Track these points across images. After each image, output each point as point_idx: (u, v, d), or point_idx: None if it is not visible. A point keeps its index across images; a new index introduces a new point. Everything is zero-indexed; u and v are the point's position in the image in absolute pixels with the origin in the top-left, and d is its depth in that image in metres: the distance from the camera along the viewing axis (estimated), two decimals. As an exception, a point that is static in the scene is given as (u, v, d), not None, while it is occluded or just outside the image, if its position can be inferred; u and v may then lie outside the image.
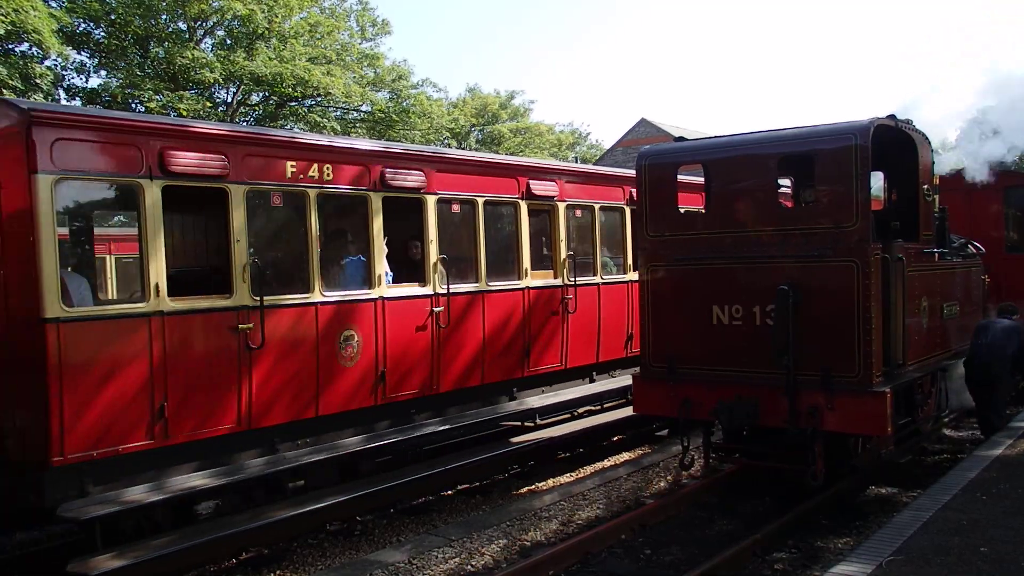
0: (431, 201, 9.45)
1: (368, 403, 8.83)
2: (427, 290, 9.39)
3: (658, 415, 10.59)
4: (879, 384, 7.60)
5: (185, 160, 7.14)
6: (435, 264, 9.42)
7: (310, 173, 8.19)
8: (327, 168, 8.36)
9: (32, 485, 6.61)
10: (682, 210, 9.33)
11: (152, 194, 6.95)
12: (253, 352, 7.62)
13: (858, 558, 5.71)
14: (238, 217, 7.58)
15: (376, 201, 8.89)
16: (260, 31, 26.85)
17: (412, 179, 9.24)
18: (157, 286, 6.96)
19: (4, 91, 20.07)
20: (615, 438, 12.10)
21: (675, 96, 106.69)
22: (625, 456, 11.34)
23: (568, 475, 10.49)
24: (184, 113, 23.28)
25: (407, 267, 9.56)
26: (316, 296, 8.21)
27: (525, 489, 9.92)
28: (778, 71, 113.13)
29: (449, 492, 9.70)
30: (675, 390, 8.48)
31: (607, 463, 11.03)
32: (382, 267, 8.98)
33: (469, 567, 7.15)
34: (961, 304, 10.01)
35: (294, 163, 8.07)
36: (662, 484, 9.63)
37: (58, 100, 24.35)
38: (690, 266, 8.59)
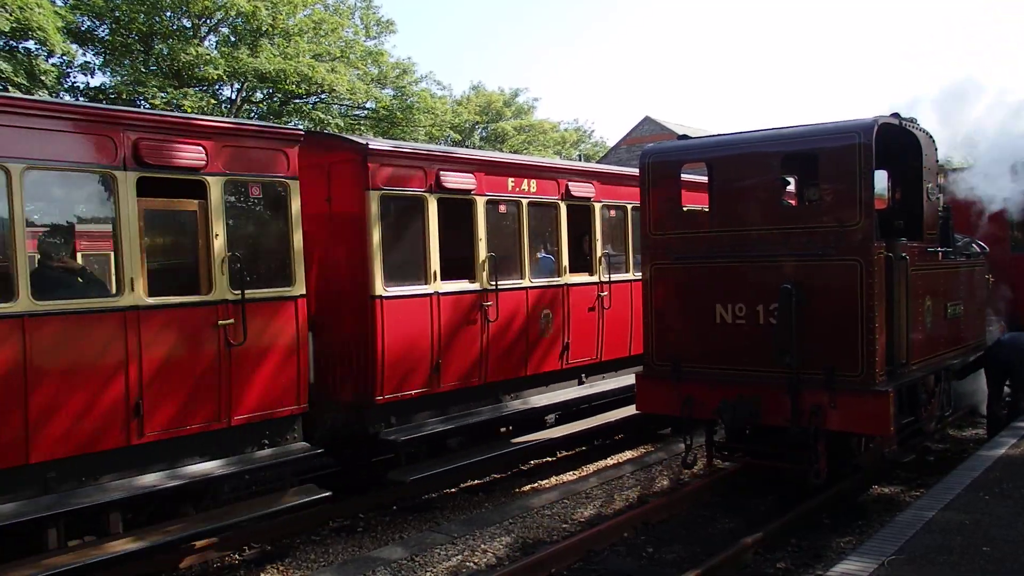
0: (598, 208, 11.34)
1: (556, 367, 10.76)
2: (595, 279, 11.17)
3: (661, 414, 10.60)
4: (882, 383, 7.59)
5: (453, 181, 9.37)
6: (600, 258, 11.23)
7: (522, 187, 10.34)
8: (532, 183, 10.45)
9: (360, 418, 8.75)
10: (685, 209, 9.33)
11: (432, 204, 9.17)
12: (489, 324, 9.81)
13: (860, 557, 5.71)
14: (480, 220, 9.69)
15: (563, 208, 10.77)
16: (264, 28, 26.86)
17: (584, 190, 11.14)
18: (435, 273, 9.24)
19: (9, 88, 20.11)
20: (618, 436, 12.11)
21: (679, 94, 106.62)
22: (628, 455, 11.35)
23: (571, 473, 10.50)
24: (189, 110, 23.30)
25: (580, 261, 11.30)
26: (525, 282, 10.29)
27: (528, 487, 9.93)
28: (782, 70, 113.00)
29: (452, 490, 9.72)
30: (678, 389, 8.48)
31: (610, 461, 11.05)
32: (565, 260, 10.75)
33: (471, 564, 7.16)
34: (965, 304, 9.99)
35: (512, 179, 10.19)
36: (665, 483, 9.64)
37: (61, 97, 24.38)
38: (693, 265, 8.58)
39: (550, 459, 11.11)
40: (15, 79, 21.02)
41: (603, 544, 7.38)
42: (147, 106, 23.75)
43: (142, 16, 25.24)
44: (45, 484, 6.27)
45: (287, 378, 7.67)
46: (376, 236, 8.52)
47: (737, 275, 8.29)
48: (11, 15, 20.15)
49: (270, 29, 27.04)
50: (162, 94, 24.36)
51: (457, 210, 9.49)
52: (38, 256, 6.81)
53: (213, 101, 26.78)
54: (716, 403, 8.09)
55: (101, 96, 25.18)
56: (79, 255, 9.70)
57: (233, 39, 27.72)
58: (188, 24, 27.25)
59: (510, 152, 37.76)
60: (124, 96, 24.58)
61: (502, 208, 10.17)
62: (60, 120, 6.33)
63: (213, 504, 7.30)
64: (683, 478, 9.64)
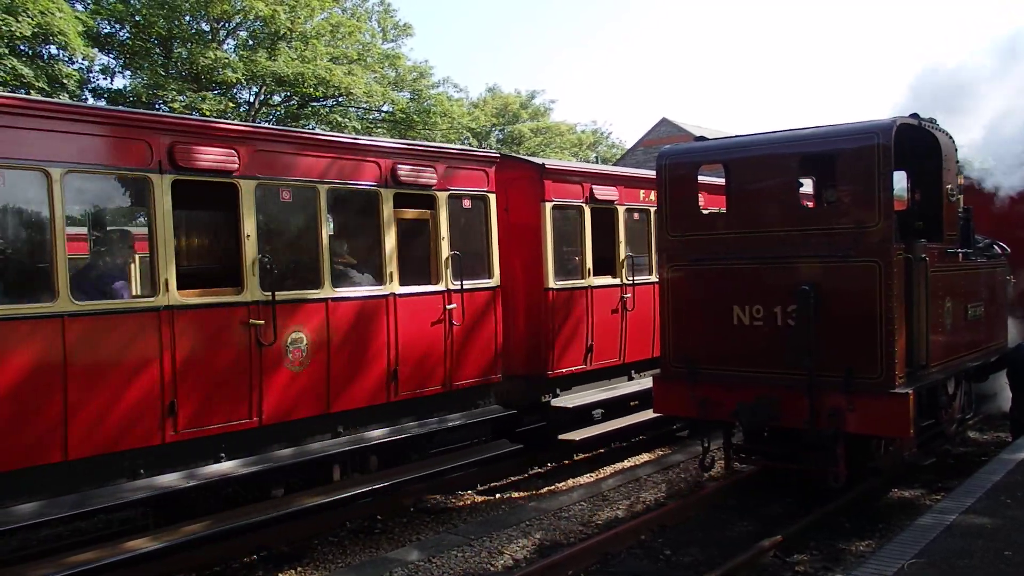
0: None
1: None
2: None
3: (679, 416, 10.58)
4: (901, 385, 7.53)
5: (602, 193, 11.23)
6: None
7: (649, 197, 11.67)
8: (652, 193, 11.42)
9: (535, 389, 10.58)
10: (703, 210, 9.30)
11: (587, 213, 11.03)
12: (627, 313, 11.57)
13: (880, 561, 5.67)
14: (621, 226, 11.57)
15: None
16: (282, 32, 27.04)
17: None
18: (589, 270, 11.06)
19: (31, 91, 20.33)
20: (636, 438, 12.09)
21: (696, 95, 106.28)
22: (645, 457, 11.33)
23: (588, 475, 10.50)
24: (207, 113, 23.48)
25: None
26: (652, 277, 11.40)
27: (545, 489, 9.93)
28: (799, 70, 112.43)
29: (468, 491, 9.73)
30: (696, 390, 8.45)
31: (627, 464, 11.03)
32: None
33: (488, 566, 7.17)
34: (986, 305, 9.90)
35: (643, 191, 11.90)
36: (682, 485, 9.60)
37: (84, 100, 24.64)
38: (711, 266, 8.56)
39: (567, 461, 11.10)
40: (36, 83, 21.25)
41: (620, 546, 7.36)
42: (166, 109, 23.96)
43: (161, 20, 25.48)
44: (336, 431, 8.26)
45: (491, 352, 9.79)
46: (549, 239, 10.40)
47: (755, 276, 8.25)
48: (33, 20, 20.38)
49: (288, 32, 27.21)
50: (181, 97, 24.56)
51: (603, 218, 11.30)
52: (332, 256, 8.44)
53: (232, 104, 26.97)
54: (734, 405, 8.06)
55: (121, 99, 25.42)
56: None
57: (251, 43, 27.92)
58: (207, 28, 27.48)
59: (526, 154, 37.76)
60: (144, 99, 24.81)
61: (635, 216, 11.90)
62: (356, 153, 8.60)
63: (427, 454, 9.25)
64: (700, 480, 9.61)
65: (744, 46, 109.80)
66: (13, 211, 6.43)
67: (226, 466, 7.31)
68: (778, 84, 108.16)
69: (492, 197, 9.83)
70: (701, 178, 9.33)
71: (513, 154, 23.40)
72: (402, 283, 8.78)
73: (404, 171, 8.81)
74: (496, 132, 47.61)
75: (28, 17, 20.27)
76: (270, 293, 7.49)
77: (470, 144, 39.00)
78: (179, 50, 26.27)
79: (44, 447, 6.24)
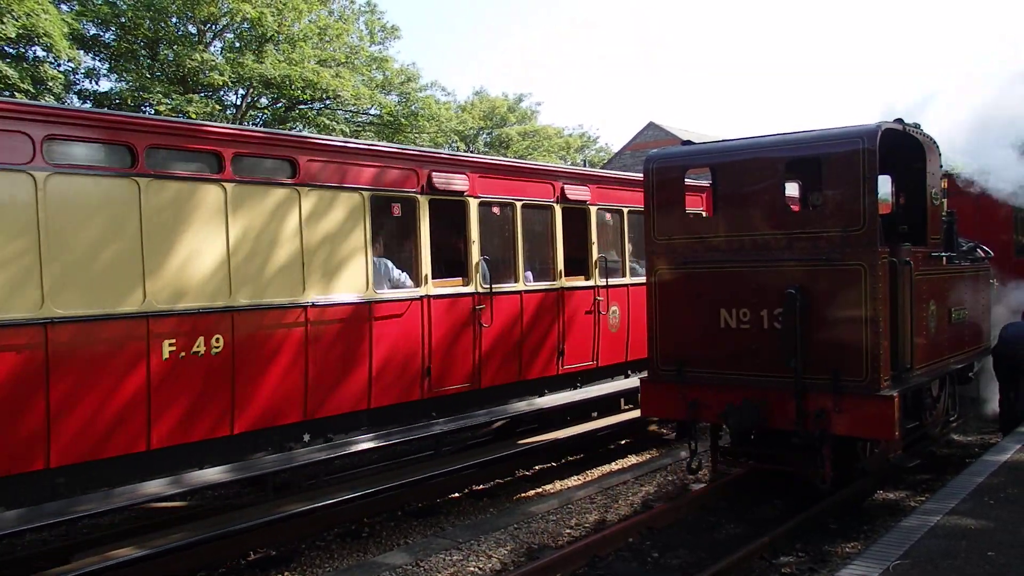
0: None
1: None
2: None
3: (666, 418, 10.62)
4: (887, 388, 7.59)
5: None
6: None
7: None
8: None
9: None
10: (689, 213, 9.34)
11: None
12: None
13: (865, 562, 5.71)
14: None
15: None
16: (269, 34, 26.93)
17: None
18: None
19: (16, 94, 20.19)
20: (623, 441, 12.12)
21: (683, 100, 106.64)
22: (632, 460, 11.35)
23: (575, 478, 10.51)
24: (193, 116, 23.37)
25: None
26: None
27: (532, 492, 9.94)
28: (786, 75, 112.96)
29: (456, 495, 9.73)
30: (683, 393, 8.49)
31: (614, 466, 11.05)
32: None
33: (476, 569, 7.17)
34: (970, 308, 9.99)
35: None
36: (670, 487, 9.63)
37: (69, 103, 24.47)
38: (698, 269, 8.60)
39: (554, 464, 11.12)
40: (21, 85, 21.10)
41: (608, 549, 7.37)
42: (152, 112, 23.83)
43: (147, 22, 25.33)
44: (522, 396, 10.44)
45: (622, 342, 11.74)
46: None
47: (741, 280, 8.30)
48: (17, 21, 20.24)
49: (275, 35, 27.11)
50: (167, 100, 24.43)
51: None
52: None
53: (218, 107, 26.84)
54: (721, 407, 8.10)
55: (107, 102, 25.27)
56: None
57: (238, 45, 27.80)
58: (193, 30, 27.34)
59: (516, 157, 37.76)
60: (129, 102, 24.66)
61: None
62: (541, 178, 10.99)
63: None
64: (688, 483, 9.64)
65: (731, 51, 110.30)
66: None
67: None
68: (765, 89, 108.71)
69: (626, 210, 11.91)
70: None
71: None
72: (567, 278, 10.88)
73: (570, 190, 11.02)
74: (484, 135, 47.60)
75: (13, 18, 20.12)
76: (488, 286, 9.68)
77: (457, 147, 38.97)
78: (165, 52, 26.12)
79: (359, 398, 8.55)
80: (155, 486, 6.95)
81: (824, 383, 7.69)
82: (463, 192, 9.68)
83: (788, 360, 7.74)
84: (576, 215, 11.27)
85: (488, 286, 9.79)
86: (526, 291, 10.48)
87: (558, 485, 10.20)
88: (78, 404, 6.51)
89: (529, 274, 10.65)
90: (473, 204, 9.82)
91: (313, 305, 8.05)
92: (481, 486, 10.04)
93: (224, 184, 7.43)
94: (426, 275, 9.23)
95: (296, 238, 7.95)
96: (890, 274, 7.86)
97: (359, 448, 8.45)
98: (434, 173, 9.34)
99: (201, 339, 7.22)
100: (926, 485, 9.11)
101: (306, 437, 8.10)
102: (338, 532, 8.46)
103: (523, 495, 9.82)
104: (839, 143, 7.83)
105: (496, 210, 10.28)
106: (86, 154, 6.65)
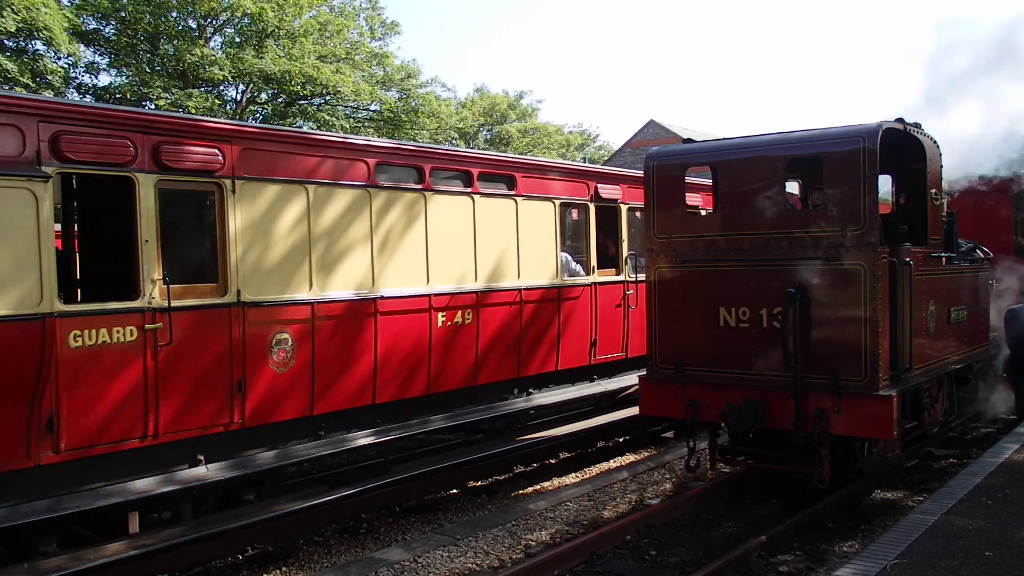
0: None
1: None
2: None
3: (664, 417, 10.61)
4: (885, 388, 7.59)
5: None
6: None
7: None
8: None
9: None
10: (689, 211, 9.34)
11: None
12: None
13: (863, 561, 5.72)
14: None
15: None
16: (270, 29, 26.91)
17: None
18: None
19: (17, 88, 20.17)
20: (621, 439, 12.12)
21: (684, 98, 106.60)
22: (631, 457, 11.36)
23: (573, 475, 10.51)
24: (193, 110, 23.36)
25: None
26: None
27: (531, 489, 9.94)
28: (788, 73, 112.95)
29: (455, 491, 9.73)
30: (682, 392, 8.48)
31: (612, 464, 11.05)
32: None
33: (474, 566, 7.17)
34: (969, 309, 9.99)
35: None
36: (667, 486, 9.64)
37: (68, 97, 24.44)
38: (697, 268, 8.59)
39: (552, 461, 11.12)
40: (21, 79, 21.08)
41: (606, 546, 7.38)
42: (152, 107, 23.82)
43: (148, 17, 25.32)
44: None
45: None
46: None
47: (741, 278, 8.29)
48: (17, 15, 20.22)
49: (276, 30, 27.09)
50: (167, 95, 24.41)
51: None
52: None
53: (218, 102, 26.83)
54: (720, 406, 8.09)
55: (107, 97, 25.25)
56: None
57: (238, 40, 27.77)
58: (194, 25, 27.32)
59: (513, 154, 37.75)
60: (129, 97, 24.65)
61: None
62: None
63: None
64: (686, 481, 9.64)
65: (732, 49, 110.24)
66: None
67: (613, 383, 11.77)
68: (766, 87, 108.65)
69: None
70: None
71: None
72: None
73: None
74: (484, 132, 47.60)
75: (13, 12, 20.10)
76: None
77: (457, 144, 38.96)
78: (165, 47, 26.09)
79: (550, 360, 10.85)
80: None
81: (823, 383, 7.69)
82: (617, 200, 11.89)
83: (787, 360, 7.74)
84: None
85: (635, 276, 11.46)
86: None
87: (556, 482, 10.21)
88: (392, 356, 8.82)
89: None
90: (623, 209, 12.01)
91: (525, 288, 10.45)
92: (479, 482, 10.04)
93: (473, 196, 9.86)
94: (593, 266, 11.47)
95: (513, 237, 10.34)
96: (890, 274, 7.86)
97: (552, 400, 10.89)
98: (599, 185, 11.62)
99: (460, 312, 9.59)
100: (924, 485, 9.12)
101: (515, 391, 10.62)
102: (336, 528, 8.46)
103: (521, 492, 9.82)
104: (840, 142, 7.82)
105: (638, 214, 12.03)
106: (398, 175, 9.11)
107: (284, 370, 7.78)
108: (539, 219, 10.67)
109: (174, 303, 6.90)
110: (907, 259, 8.08)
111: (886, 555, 5.78)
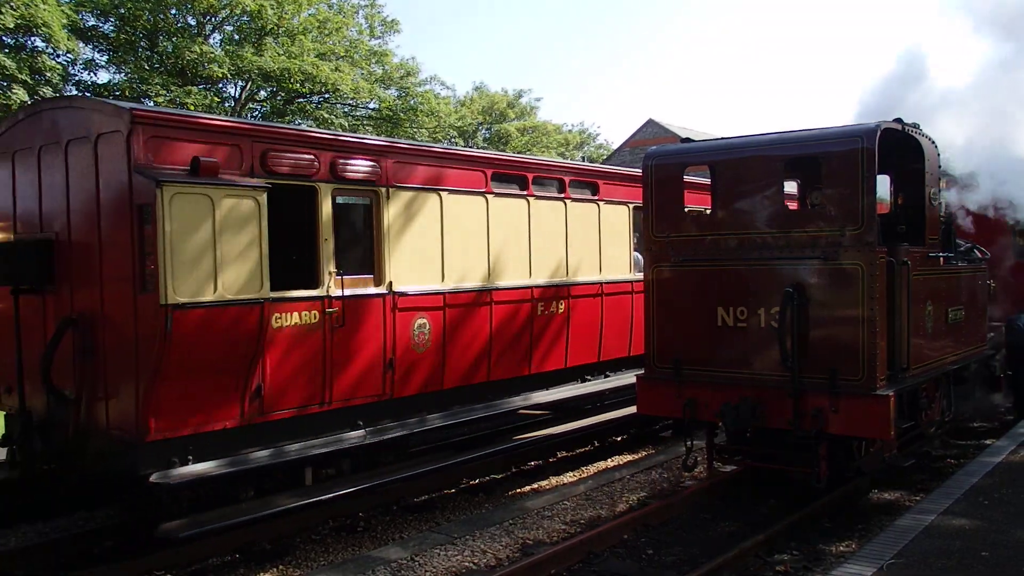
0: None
1: None
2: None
3: (663, 416, 10.62)
4: (883, 388, 7.60)
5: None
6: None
7: None
8: None
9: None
10: (688, 211, 9.34)
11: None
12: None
13: (860, 561, 5.73)
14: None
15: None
16: (269, 27, 26.89)
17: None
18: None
19: (14, 85, 20.15)
20: (618, 438, 12.13)
21: (683, 97, 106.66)
22: (628, 457, 11.36)
23: (571, 474, 10.52)
24: (191, 108, 23.33)
25: None
26: None
27: (528, 488, 9.94)
28: (786, 73, 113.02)
29: (452, 490, 9.73)
30: (680, 391, 8.49)
31: (610, 463, 11.06)
32: None
33: (471, 565, 7.17)
34: (966, 309, 10.00)
35: None
36: (665, 485, 9.64)
37: (66, 94, 24.38)
38: (695, 267, 8.59)
39: (551, 459, 11.13)
40: (19, 76, 21.05)
41: (603, 545, 7.38)
42: (151, 104, 23.79)
43: (147, 13, 25.29)
44: None
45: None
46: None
47: (739, 278, 8.30)
48: (16, 11, 20.19)
49: (275, 28, 27.06)
50: (165, 92, 24.39)
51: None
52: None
53: (217, 99, 26.80)
54: (718, 406, 8.10)
55: (106, 93, 25.21)
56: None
57: (238, 37, 27.75)
58: (193, 22, 27.29)
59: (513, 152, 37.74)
60: (128, 94, 24.61)
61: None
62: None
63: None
64: (683, 481, 9.65)
65: (731, 48, 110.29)
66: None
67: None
68: (765, 87, 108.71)
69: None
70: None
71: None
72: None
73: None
74: (483, 131, 47.58)
75: (11, 8, 20.07)
76: None
77: (456, 143, 38.95)
78: (164, 44, 26.06)
79: (624, 347, 11.93)
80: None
81: (821, 383, 7.69)
82: None
83: (785, 359, 7.75)
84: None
85: None
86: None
87: (554, 481, 10.21)
88: (501, 339, 10.03)
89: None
90: None
91: (606, 282, 11.59)
92: (476, 481, 10.05)
93: (565, 201, 11.02)
94: None
95: (596, 236, 11.48)
96: (888, 274, 7.86)
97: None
98: None
99: (554, 302, 10.77)
100: (921, 485, 9.13)
101: (593, 374, 11.63)
102: (333, 526, 8.46)
103: (519, 491, 9.82)
104: (838, 142, 7.82)
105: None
106: (508, 183, 10.28)
107: (422, 350, 9.05)
108: (616, 221, 11.85)
109: (344, 292, 8.16)
110: (905, 259, 8.09)
111: (883, 555, 5.79)
